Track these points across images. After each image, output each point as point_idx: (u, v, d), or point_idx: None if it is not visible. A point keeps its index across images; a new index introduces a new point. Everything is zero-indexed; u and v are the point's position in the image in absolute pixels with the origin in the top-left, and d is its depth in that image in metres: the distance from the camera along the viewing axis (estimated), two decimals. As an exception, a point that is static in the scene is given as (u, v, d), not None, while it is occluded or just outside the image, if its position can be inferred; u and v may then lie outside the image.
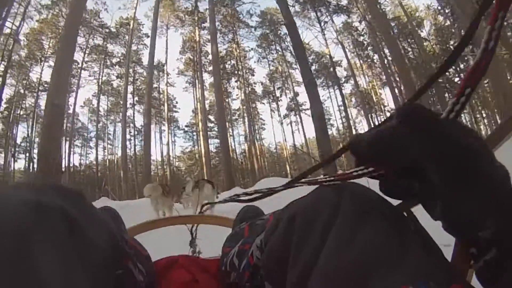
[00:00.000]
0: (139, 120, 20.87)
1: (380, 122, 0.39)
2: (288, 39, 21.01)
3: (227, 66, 22.23)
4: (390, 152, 0.28)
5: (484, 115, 17.77)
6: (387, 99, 20.31)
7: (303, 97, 21.70)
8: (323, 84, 21.41)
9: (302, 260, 0.34)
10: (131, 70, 20.65)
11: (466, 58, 15.36)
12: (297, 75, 21.79)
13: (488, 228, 0.24)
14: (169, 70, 22.81)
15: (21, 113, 17.25)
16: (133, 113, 21.15)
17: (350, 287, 0.27)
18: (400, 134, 0.27)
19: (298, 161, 23.31)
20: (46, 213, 0.30)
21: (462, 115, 0.27)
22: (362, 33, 20.04)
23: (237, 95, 23.03)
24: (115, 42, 20.53)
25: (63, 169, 18.31)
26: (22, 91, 17.15)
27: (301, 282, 0.32)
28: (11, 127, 16.82)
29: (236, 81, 22.81)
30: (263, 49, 22.62)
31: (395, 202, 0.34)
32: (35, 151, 14.95)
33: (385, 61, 17.55)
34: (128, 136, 19.84)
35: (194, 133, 22.86)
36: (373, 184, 0.35)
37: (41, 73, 16.95)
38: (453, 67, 16.45)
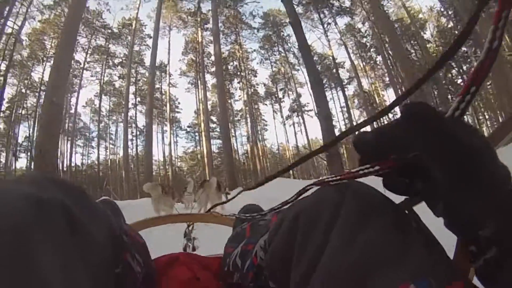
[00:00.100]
0: (141, 121, 20.98)
1: (382, 123, 0.38)
2: (291, 40, 21.11)
3: (229, 67, 22.28)
4: (394, 150, 0.28)
5: (486, 116, 17.71)
6: (390, 100, 20.26)
7: (306, 98, 21.73)
8: (326, 85, 21.39)
9: (306, 259, 0.34)
10: (133, 71, 20.72)
11: (468, 60, 15.34)
12: (299, 76, 21.86)
13: (488, 227, 0.24)
14: (172, 71, 22.95)
15: (23, 112, 17.35)
16: (135, 114, 21.28)
17: (351, 286, 0.27)
18: (405, 132, 0.27)
19: (300, 162, 23.21)
20: (47, 209, 0.29)
21: (465, 116, 0.27)
22: (365, 34, 20.06)
23: (239, 96, 23.12)
24: (117, 43, 20.62)
25: (65, 169, 18.45)
26: (24, 90, 17.25)
27: (305, 281, 0.32)
28: (13, 127, 16.89)
29: (238, 82, 22.88)
30: (266, 50, 22.68)
31: (397, 199, 0.34)
32: (36, 150, 15.00)
33: (389, 62, 17.52)
34: (130, 136, 19.93)
35: (196, 134, 22.94)
36: (377, 183, 0.35)
37: (43, 72, 17.02)
38: (456, 69, 16.43)
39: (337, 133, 9.90)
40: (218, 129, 21.10)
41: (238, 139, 23.08)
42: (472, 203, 0.25)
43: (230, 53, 22.23)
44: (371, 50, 20.05)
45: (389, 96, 20.39)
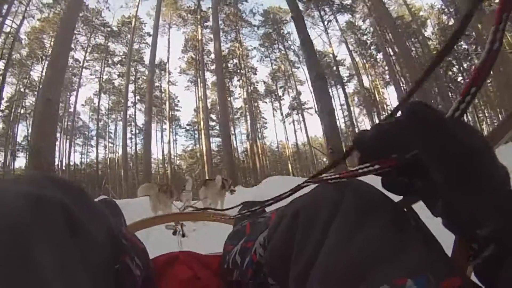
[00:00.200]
0: (141, 119, 20.95)
1: (383, 119, 0.38)
2: (291, 38, 21.08)
3: (229, 65, 22.26)
4: (394, 149, 0.29)
5: (486, 114, 17.73)
6: (390, 98, 20.33)
7: (306, 96, 21.71)
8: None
9: (304, 257, 0.34)
10: (132, 69, 20.71)
11: (469, 58, 15.33)
12: (300, 73, 21.84)
13: (487, 226, 0.24)
14: (171, 69, 22.94)
15: (22, 111, 17.34)
16: (135, 112, 21.24)
17: (348, 282, 0.27)
18: (404, 131, 0.27)
19: (300, 159, 23.33)
20: (46, 208, 0.29)
21: (465, 115, 0.28)
22: (366, 32, 20.04)
23: (239, 94, 23.09)
24: (117, 41, 20.61)
25: (64, 167, 18.44)
26: (23, 89, 17.22)
27: (303, 278, 0.33)
28: (12, 126, 16.88)
29: (238, 80, 22.86)
30: (266, 48, 22.67)
31: (397, 198, 0.34)
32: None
33: (390, 59, 17.52)
34: (129, 135, 19.92)
35: (196, 132, 22.93)
36: (377, 182, 0.35)
37: (42, 71, 16.98)
38: (457, 67, 16.42)
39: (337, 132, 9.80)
40: (217, 127, 21.12)
41: (237, 137, 23.12)
42: (472, 203, 0.25)
43: (230, 51, 22.21)
44: (372, 47, 20.05)
45: (389, 93, 20.43)
